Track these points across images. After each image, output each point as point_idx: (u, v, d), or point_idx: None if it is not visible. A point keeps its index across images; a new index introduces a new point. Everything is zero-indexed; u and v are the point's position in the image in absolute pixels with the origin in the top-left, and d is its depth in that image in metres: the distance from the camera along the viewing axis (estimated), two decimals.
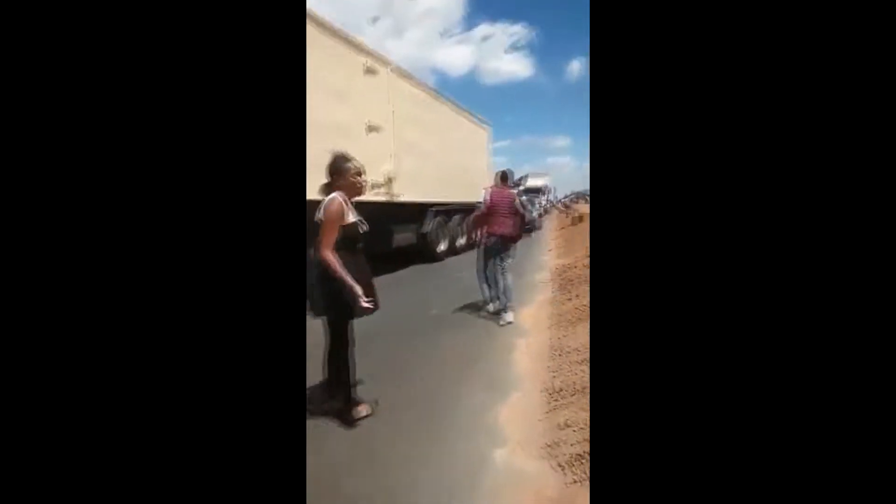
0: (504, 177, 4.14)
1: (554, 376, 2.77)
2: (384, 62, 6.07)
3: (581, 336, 3.41)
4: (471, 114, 9.72)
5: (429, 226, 7.76)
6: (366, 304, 2.02)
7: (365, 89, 5.60)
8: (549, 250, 9.63)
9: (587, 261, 6.41)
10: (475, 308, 4.54)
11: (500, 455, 2.00)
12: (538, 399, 2.54)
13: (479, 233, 4.06)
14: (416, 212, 7.42)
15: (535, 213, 10.39)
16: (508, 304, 4.08)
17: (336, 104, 4.99)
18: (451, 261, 8.30)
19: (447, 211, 8.42)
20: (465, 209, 9.03)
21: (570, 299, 4.53)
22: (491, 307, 4.26)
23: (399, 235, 6.90)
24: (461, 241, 9.17)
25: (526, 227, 4.51)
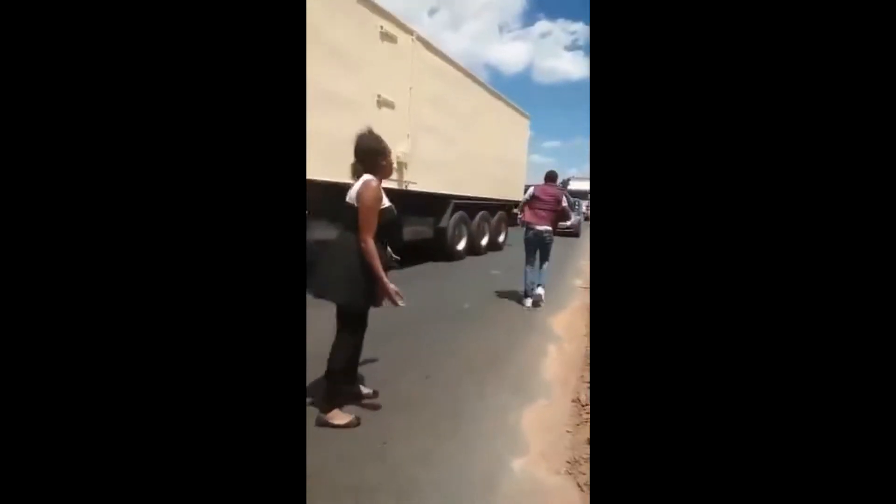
0: (551, 176, 4.49)
1: (588, 386, 2.58)
2: (406, 29, 5.21)
3: None
4: (508, 102, 8.61)
5: (447, 220, 6.81)
6: (398, 300, 1.93)
7: (379, 57, 4.77)
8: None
9: None
10: (506, 303, 4.38)
11: (519, 465, 1.86)
12: (567, 409, 2.37)
13: (522, 223, 4.53)
14: (436, 204, 6.60)
15: (574, 219, 9.96)
16: (543, 285, 4.57)
17: (339, 69, 4.20)
18: (470, 261, 7.49)
19: (472, 205, 7.43)
20: (494, 206, 8.37)
21: None
22: (528, 302, 4.55)
23: (411, 228, 6.02)
24: (484, 240, 8.26)
25: (568, 229, 4.95)
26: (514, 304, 4.61)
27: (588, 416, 2.25)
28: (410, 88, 5.40)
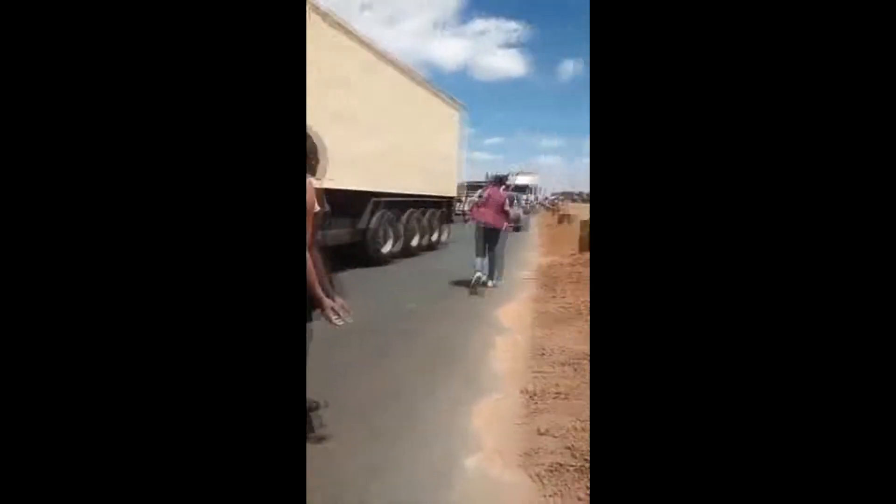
0: (500, 179, 5.43)
1: (535, 377, 2.61)
2: (310, 2, 4.52)
3: (564, 335, 3.26)
4: (437, 90, 7.90)
5: (367, 220, 6.07)
6: (335, 319, 1.63)
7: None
8: (539, 246, 9.52)
9: (572, 259, 6.31)
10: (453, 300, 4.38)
11: (473, 462, 1.83)
12: (517, 401, 2.38)
13: (473, 221, 5.23)
14: (355, 202, 5.85)
15: (518, 211, 10.15)
16: (498, 275, 5.16)
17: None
18: (399, 266, 6.59)
19: (398, 203, 6.64)
20: (425, 202, 7.59)
21: (553, 297, 4.40)
22: (481, 276, 4.97)
23: (330, 231, 5.16)
24: (415, 240, 7.37)
25: (511, 224, 5.44)
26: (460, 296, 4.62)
27: (537, 406, 2.28)
28: (319, 70, 4.54)
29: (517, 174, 25.75)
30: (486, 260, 4.99)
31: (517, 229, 12.18)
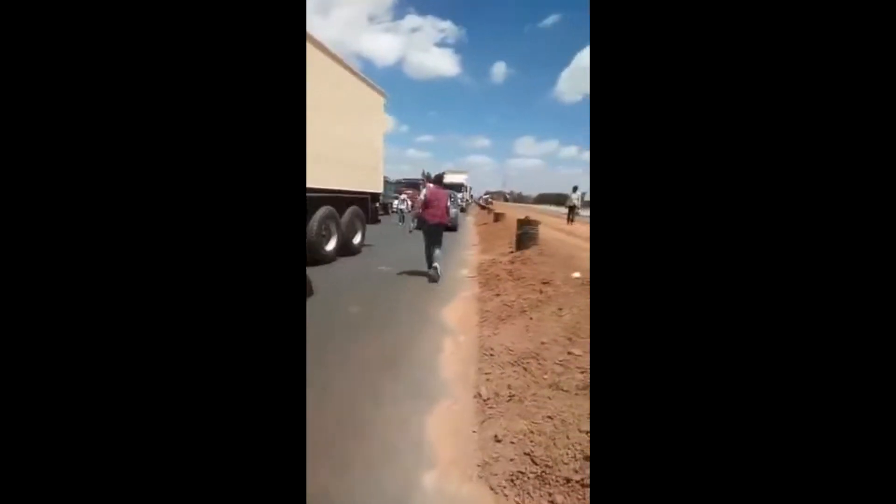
0: (439, 179, 5.70)
1: (487, 380, 2.55)
2: None
3: (510, 334, 3.25)
4: (360, 75, 7.03)
5: (310, 219, 5.79)
6: None
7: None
8: (474, 245, 9.59)
9: (511, 257, 6.42)
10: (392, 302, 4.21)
11: (430, 479, 1.70)
12: (469, 407, 2.29)
13: (418, 221, 5.60)
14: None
15: (455, 210, 10.21)
16: (439, 265, 5.65)
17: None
18: (344, 263, 6.38)
19: (311, 200, 5.84)
20: (343, 199, 6.78)
21: (497, 295, 4.40)
22: (432, 272, 5.56)
23: None
24: (331, 244, 6.60)
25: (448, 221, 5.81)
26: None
27: (491, 410, 2.21)
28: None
29: (447, 172, 26.06)
30: (434, 250, 5.56)
31: (451, 228, 12.07)
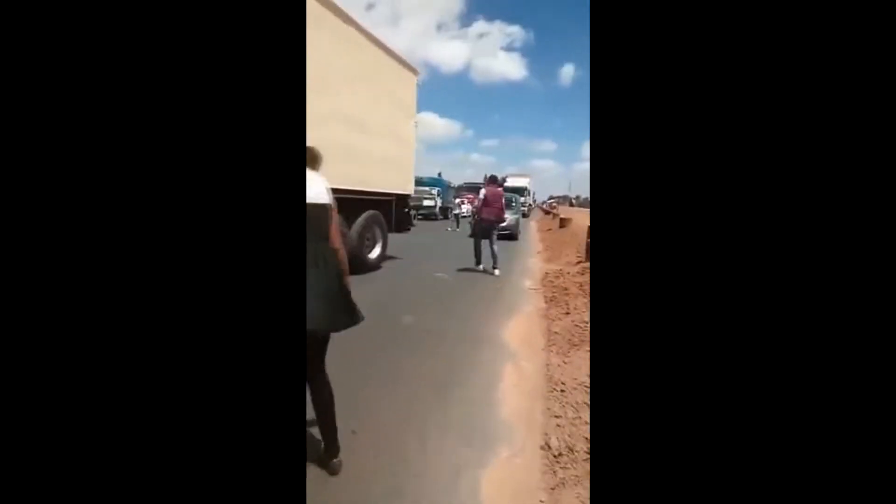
0: (494, 179, 6.28)
1: (558, 425, 2.07)
2: None
3: (583, 364, 2.72)
4: (391, 51, 5.75)
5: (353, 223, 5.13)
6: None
7: None
8: (538, 253, 8.99)
9: (581, 268, 5.79)
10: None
11: None
12: (535, 461, 1.83)
13: (475, 218, 6.26)
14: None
15: (511, 218, 9.65)
16: (495, 265, 6.02)
17: None
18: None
19: (346, 202, 4.87)
20: (364, 201, 5.48)
21: (567, 313, 3.86)
22: (481, 267, 6.11)
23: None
24: (376, 251, 5.82)
25: (504, 230, 6.44)
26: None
27: (564, 472, 1.73)
28: None
29: (509, 176, 25.45)
30: (482, 248, 6.08)
31: (510, 236, 10.51)
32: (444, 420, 2.12)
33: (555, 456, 1.83)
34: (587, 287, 4.64)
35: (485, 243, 6.06)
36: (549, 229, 14.47)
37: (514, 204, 12.41)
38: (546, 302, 4.56)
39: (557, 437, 1.95)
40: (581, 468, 1.73)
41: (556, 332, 3.41)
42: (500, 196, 5.99)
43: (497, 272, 5.92)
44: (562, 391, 2.41)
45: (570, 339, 3.18)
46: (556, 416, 2.15)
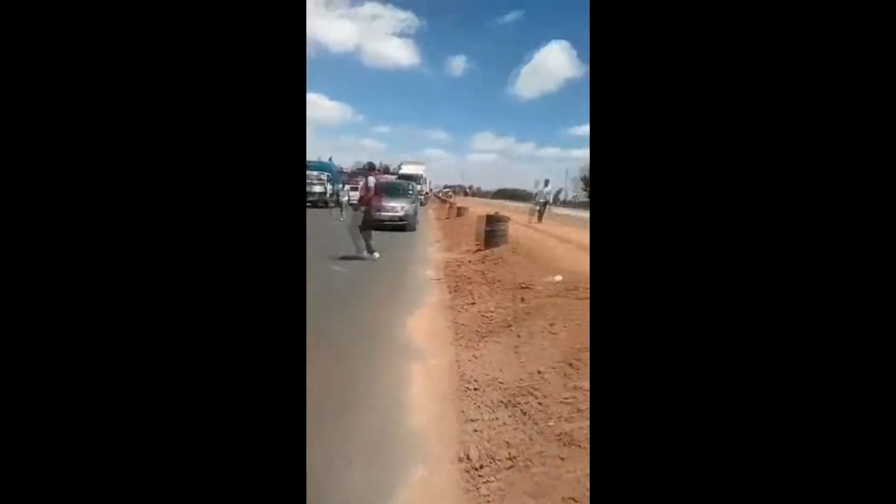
0: (373, 166, 6.97)
1: (475, 430, 1.89)
2: None
3: (495, 358, 2.61)
4: None
5: None
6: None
7: None
8: (437, 241, 8.92)
9: (479, 256, 5.83)
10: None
11: None
12: (455, 478, 1.63)
13: (362, 208, 5.98)
14: None
15: (408, 206, 9.56)
16: (373, 250, 5.99)
17: None
18: None
19: None
20: None
21: (472, 303, 3.76)
22: (376, 255, 5.97)
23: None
24: None
25: (399, 221, 6.69)
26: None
27: (487, 485, 1.56)
28: None
29: (403, 163, 25.21)
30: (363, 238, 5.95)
31: (404, 227, 9.81)
32: (348, 438, 1.80)
33: (476, 468, 1.65)
34: (488, 275, 4.63)
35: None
36: (447, 218, 14.62)
37: (410, 192, 12.11)
38: (450, 292, 4.44)
39: (476, 446, 1.77)
40: (505, 479, 1.57)
41: (462, 324, 3.27)
42: (376, 186, 6.22)
43: (376, 255, 6.00)
44: (475, 389, 2.25)
45: (477, 331, 3.07)
46: (472, 420, 1.98)
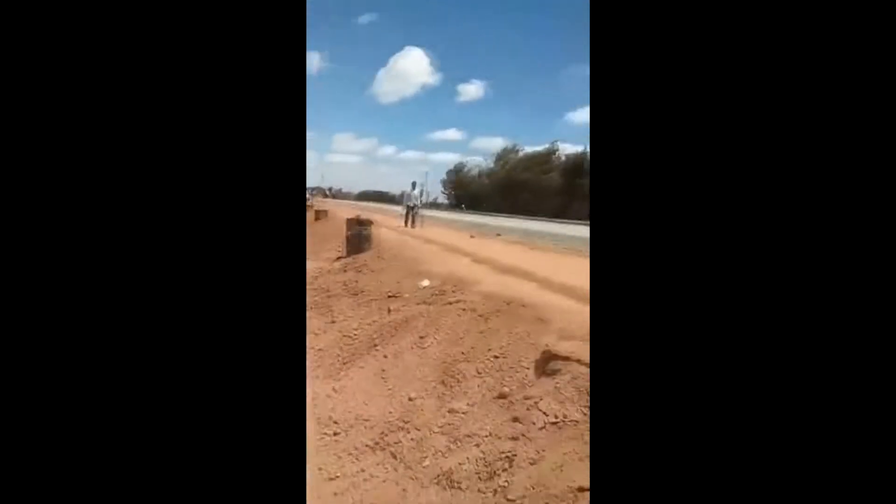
0: None
1: (335, 494, 1.52)
2: None
3: (360, 388, 2.27)
4: None
5: None
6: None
7: None
8: None
9: (343, 264, 5.39)
10: None
11: None
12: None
13: None
14: None
15: None
16: None
17: None
18: None
19: None
20: None
21: (332, 322, 3.33)
22: None
23: None
24: None
25: None
26: None
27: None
28: None
29: None
30: None
31: None
32: None
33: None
34: (351, 285, 4.24)
35: None
36: (307, 223, 13.58)
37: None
38: (307, 310, 3.91)
39: None
40: None
41: (320, 350, 2.84)
42: None
43: None
44: (335, 434, 1.87)
45: (338, 356, 2.68)
46: (333, 478, 1.61)
